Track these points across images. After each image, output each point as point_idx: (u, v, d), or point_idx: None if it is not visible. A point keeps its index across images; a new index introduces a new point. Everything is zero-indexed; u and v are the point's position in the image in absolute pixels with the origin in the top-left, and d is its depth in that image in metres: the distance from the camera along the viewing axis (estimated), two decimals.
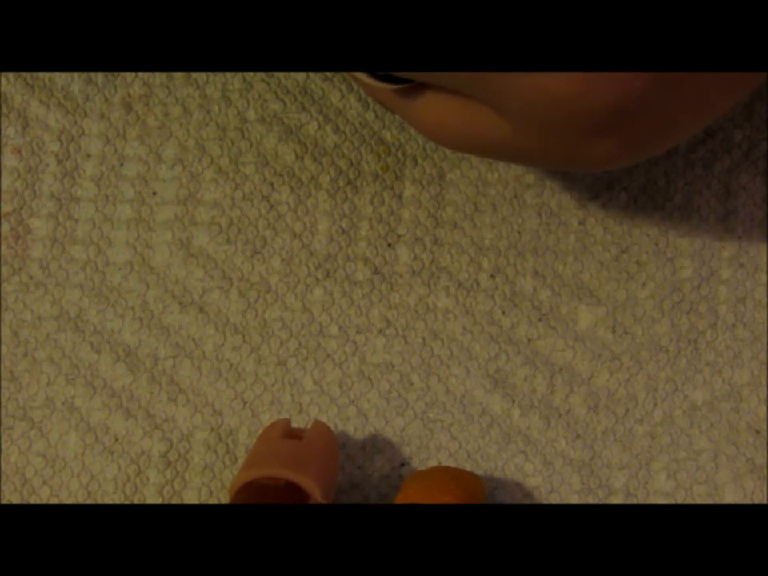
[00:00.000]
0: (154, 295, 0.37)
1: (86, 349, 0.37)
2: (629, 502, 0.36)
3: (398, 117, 0.38)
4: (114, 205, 0.37)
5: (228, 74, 0.38)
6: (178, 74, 0.38)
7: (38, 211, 0.37)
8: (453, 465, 0.36)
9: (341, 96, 0.38)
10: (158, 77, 0.38)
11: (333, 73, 0.38)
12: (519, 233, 0.38)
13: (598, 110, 0.26)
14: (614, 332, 0.37)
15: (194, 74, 0.38)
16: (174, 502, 0.36)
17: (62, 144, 0.37)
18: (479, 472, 0.36)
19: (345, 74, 0.37)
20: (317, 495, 0.32)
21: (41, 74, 0.38)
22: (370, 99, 0.38)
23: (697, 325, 0.37)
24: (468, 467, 0.36)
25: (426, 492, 0.33)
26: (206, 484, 0.36)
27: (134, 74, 0.38)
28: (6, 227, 0.37)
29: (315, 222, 0.37)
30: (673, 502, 0.36)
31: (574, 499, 0.36)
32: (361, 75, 0.31)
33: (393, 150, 0.38)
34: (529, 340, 0.37)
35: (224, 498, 0.36)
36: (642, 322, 0.37)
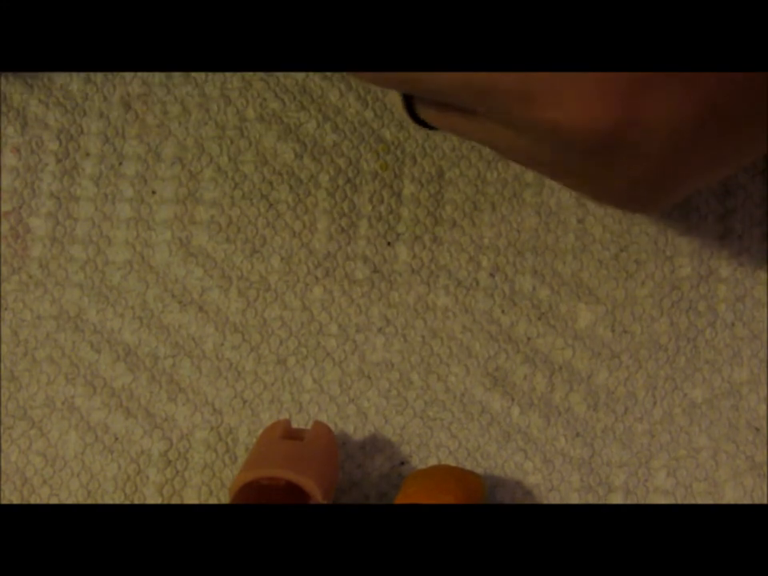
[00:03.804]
0: (154, 294, 0.37)
1: (85, 348, 0.37)
2: (628, 499, 0.36)
3: (396, 115, 0.38)
4: (114, 204, 0.37)
5: (227, 73, 0.38)
6: (176, 73, 0.38)
7: (37, 210, 0.37)
8: (452, 463, 0.36)
9: (339, 95, 0.38)
10: (157, 75, 0.38)
11: (332, 72, 0.38)
12: (518, 231, 0.38)
13: (581, 133, 0.27)
14: (613, 330, 0.37)
15: (193, 73, 0.38)
16: (173, 501, 0.36)
17: (61, 143, 0.37)
18: (479, 470, 0.36)
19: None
20: (317, 496, 0.32)
21: (40, 74, 0.38)
22: (368, 97, 0.38)
23: (696, 323, 0.37)
24: (468, 465, 0.36)
25: (426, 491, 0.33)
26: (206, 483, 0.36)
27: (132, 72, 0.38)
28: (5, 226, 0.37)
29: (314, 221, 0.37)
30: (672, 500, 0.36)
31: (574, 497, 0.36)
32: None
33: (392, 148, 0.38)
34: (528, 338, 0.37)
35: (224, 497, 0.36)
36: (641, 321, 0.37)
